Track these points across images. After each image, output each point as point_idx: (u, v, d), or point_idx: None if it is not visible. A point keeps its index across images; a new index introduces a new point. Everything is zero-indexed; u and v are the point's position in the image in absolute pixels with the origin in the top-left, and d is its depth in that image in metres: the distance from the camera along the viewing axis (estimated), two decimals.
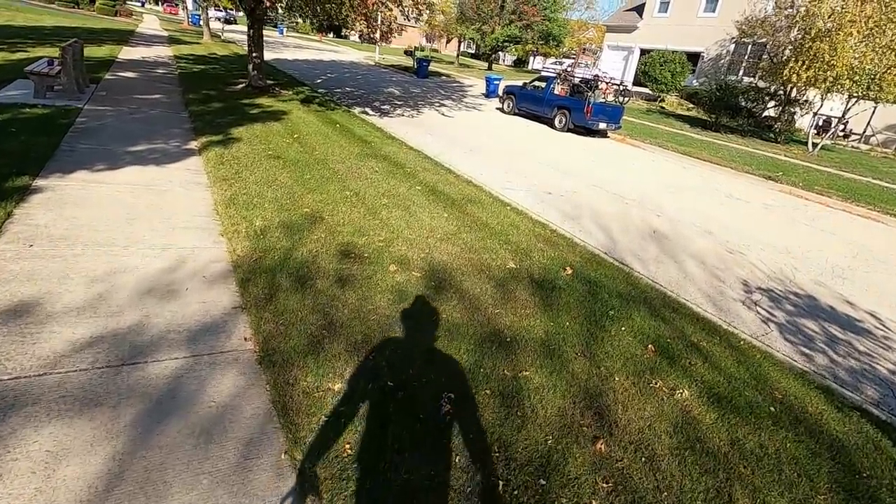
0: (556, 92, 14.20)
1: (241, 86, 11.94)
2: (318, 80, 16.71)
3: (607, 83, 13.90)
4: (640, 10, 27.52)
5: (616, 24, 29.15)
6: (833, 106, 17.32)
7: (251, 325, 2.93)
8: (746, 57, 22.02)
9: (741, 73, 22.05)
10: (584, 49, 45.39)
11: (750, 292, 4.97)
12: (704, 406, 2.79)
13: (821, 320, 4.59)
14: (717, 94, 18.35)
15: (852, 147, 20.53)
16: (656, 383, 2.92)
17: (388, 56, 34.78)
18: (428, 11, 20.38)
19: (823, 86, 13.97)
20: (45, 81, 7.67)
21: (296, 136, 7.85)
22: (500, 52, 37.52)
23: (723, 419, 2.71)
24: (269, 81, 12.59)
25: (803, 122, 20.19)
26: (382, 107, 13.21)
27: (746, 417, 2.75)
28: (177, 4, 49.56)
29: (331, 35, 51.65)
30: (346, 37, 53.15)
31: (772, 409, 2.88)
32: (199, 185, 5.17)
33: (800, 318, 4.57)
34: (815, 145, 15.73)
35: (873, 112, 19.41)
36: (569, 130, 13.71)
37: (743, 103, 18.50)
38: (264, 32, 11.50)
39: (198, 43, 24.04)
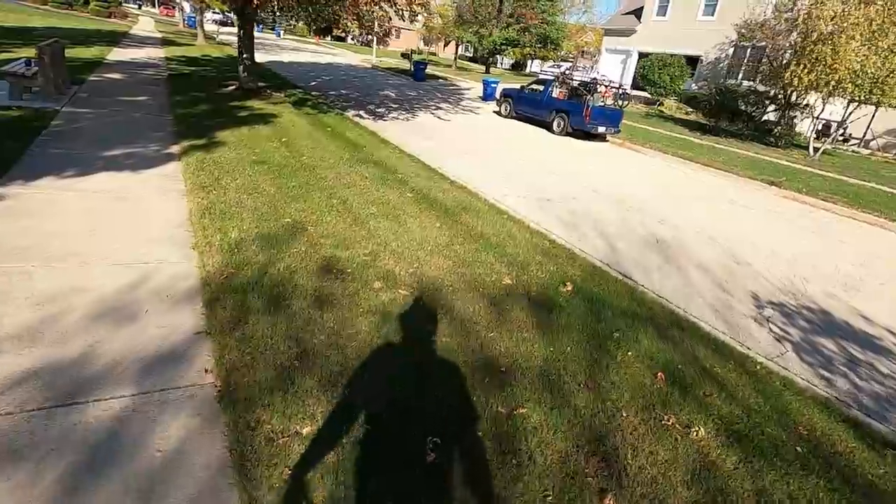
0: (554, 95, 13.93)
1: (231, 88, 11.63)
2: (313, 83, 16.40)
3: (606, 86, 13.64)
4: (638, 13, 27.34)
5: (614, 27, 28.97)
6: (833, 110, 17.12)
7: (214, 353, 2.61)
8: (746, 60, 21.82)
9: (740, 76, 21.85)
10: (583, 52, 45.29)
11: (761, 307, 4.67)
12: (724, 447, 2.48)
13: (837, 338, 4.29)
14: (717, 97, 18.14)
15: (853, 151, 20.34)
16: (668, 420, 2.61)
17: (386, 59, 34.52)
18: (425, 13, 20.14)
19: (825, 89, 13.74)
20: (22, 82, 7.35)
21: (284, 140, 7.54)
22: (497, 56, 37.26)
23: (745, 463, 2.39)
24: (260, 84, 12.29)
25: (803, 126, 20.01)
26: (377, 110, 12.91)
27: (771, 461, 2.44)
28: (173, 7, 49.27)
29: (329, 38, 51.43)
30: (343, 39, 52.91)
31: (798, 449, 2.57)
32: (175, 193, 4.84)
33: (815, 335, 4.27)
34: (816, 149, 15.50)
35: (873, 116, 19.23)
36: (567, 134, 13.43)
37: (742, 107, 18.29)
38: (263, 35, 11.22)
39: (192, 45, 23.71)
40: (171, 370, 2.46)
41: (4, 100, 7.12)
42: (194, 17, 33.48)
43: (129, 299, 3.00)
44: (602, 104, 13.27)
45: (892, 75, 13.07)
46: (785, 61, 15.44)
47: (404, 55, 33.89)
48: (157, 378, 2.40)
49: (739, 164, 12.45)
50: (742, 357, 3.50)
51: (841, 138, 21.02)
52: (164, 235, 3.90)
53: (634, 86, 25.21)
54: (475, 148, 10.00)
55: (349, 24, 10.03)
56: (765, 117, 19.16)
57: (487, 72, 33.61)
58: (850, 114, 15.25)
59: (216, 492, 1.87)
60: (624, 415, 2.59)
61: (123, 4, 45.48)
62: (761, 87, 17.66)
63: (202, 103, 9.43)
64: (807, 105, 16.64)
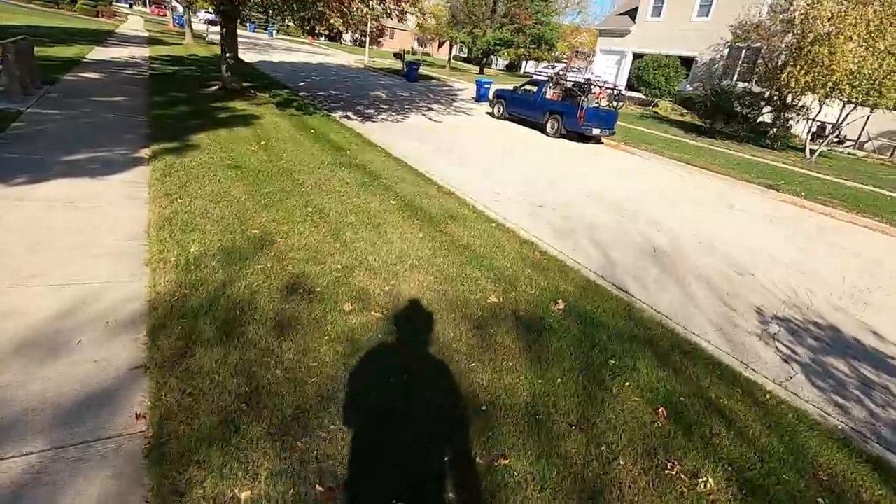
0: (548, 96, 13.62)
1: (213, 88, 11.24)
2: (302, 83, 16.02)
3: (601, 87, 13.35)
4: (632, 13, 27.13)
5: (608, 27, 28.77)
6: (828, 112, 16.95)
7: (151, 394, 2.26)
8: (741, 62, 21.66)
9: (735, 77, 21.68)
10: (577, 52, 45.13)
11: (766, 323, 4.37)
12: (737, 502, 2.16)
13: (849, 358, 4.00)
14: (712, 99, 17.93)
15: (848, 153, 20.22)
16: (672, 468, 2.28)
17: (379, 59, 34.15)
18: (418, 12, 19.77)
19: (822, 91, 13.55)
20: None
21: (263, 143, 7.17)
22: (492, 56, 36.98)
23: None
24: (245, 84, 11.90)
25: (798, 127, 19.85)
26: (366, 111, 12.55)
27: None
28: (164, 6, 48.62)
29: (322, 38, 50.96)
30: (336, 39, 52.45)
31: (820, 501, 2.26)
32: (137, 201, 4.47)
33: (825, 355, 3.97)
34: (812, 152, 15.32)
35: (868, 118, 19.10)
36: (561, 136, 13.13)
37: (738, 108, 18.09)
38: (255, 35, 10.84)
39: (179, 44, 23.23)
40: (96, 417, 2.11)
41: None
42: (184, 17, 32.99)
43: (62, 327, 2.64)
44: (596, 105, 12.98)
45: (889, 77, 12.88)
46: (781, 62, 15.25)
47: (397, 55, 33.52)
48: (78, 427, 2.05)
49: (736, 166, 12.21)
50: (749, 384, 3.19)
51: (836, 140, 20.89)
52: (116, 250, 3.53)
53: (629, 87, 25.00)
54: (466, 150, 9.67)
55: (334, 21, 9.67)
56: (760, 119, 18.99)
57: (481, 72, 33.31)
58: (846, 116, 15.07)
59: None
60: (621, 462, 2.27)
61: (113, 4, 44.83)
62: (756, 89, 17.46)
63: (181, 104, 9.03)
64: (803, 106, 16.46)
